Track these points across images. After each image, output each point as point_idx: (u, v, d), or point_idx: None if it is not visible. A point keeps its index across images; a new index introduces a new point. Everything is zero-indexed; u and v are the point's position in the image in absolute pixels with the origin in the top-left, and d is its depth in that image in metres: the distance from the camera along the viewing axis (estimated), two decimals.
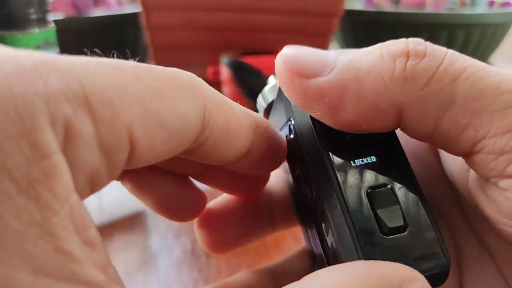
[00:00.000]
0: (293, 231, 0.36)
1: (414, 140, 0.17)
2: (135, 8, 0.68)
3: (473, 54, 0.66)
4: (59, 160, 0.09)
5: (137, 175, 0.16)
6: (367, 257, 0.12)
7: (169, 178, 0.17)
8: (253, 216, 0.19)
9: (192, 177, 0.17)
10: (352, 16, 0.66)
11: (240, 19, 0.57)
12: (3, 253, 0.08)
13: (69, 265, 0.09)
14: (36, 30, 0.40)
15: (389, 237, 0.12)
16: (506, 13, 0.66)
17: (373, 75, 0.12)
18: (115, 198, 0.39)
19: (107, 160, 0.10)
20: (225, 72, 0.53)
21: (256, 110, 0.16)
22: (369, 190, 0.13)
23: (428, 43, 0.13)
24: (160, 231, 0.39)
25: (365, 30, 0.69)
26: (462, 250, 0.16)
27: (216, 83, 0.54)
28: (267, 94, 0.19)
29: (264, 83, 0.20)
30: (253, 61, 0.51)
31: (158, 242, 0.38)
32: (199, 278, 0.33)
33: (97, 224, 0.39)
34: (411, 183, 0.14)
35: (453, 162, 0.16)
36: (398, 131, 0.15)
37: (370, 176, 0.13)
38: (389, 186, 0.13)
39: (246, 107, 0.15)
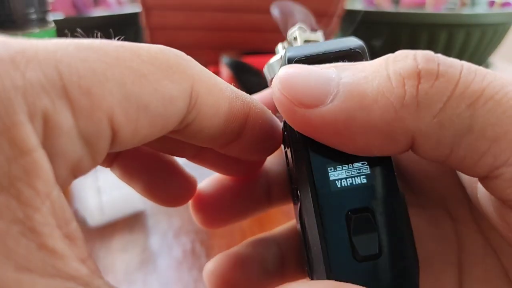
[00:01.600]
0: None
1: None
2: (135, 8, 0.68)
3: (473, 54, 0.66)
4: (39, 156, 0.09)
5: (126, 161, 0.16)
6: (336, 280, 0.12)
7: (158, 163, 0.17)
8: (249, 192, 0.19)
9: (187, 159, 0.17)
10: (352, 16, 0.66)
11: (240, 19, 0.57)
12: None
13: (52, 261, 0.09)
14: (36, 30, 0.39)
15: (361, 263, 0.12)
16: (506, 13, 0.66)
17: (382, 102, 0.11)
18: (115, 198, 0.39)
19: (88, 149, 0.10)
20: (225, 72, 0.53)
21: None
22: (348, 213, 0.13)
23: (440, 58, 0.12)
24: (160, 231, 0.39)
25: (365, 30, 0.69)
26: (466, 248, 0.16)
27: None
28: (273, 66, 0.18)
29: (264, 83, 0.19)
30: (253, 61, 0.51)
31: (158, 242, 0.38)
32: (199, 277, 0.33)
33: (97, 224, 0.39)
34: (395, 206, 0.13)
35: (462, 174, 0.15)
36: None
37: (351, 197, 0.13)
38: (370, 210, 0.13)
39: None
